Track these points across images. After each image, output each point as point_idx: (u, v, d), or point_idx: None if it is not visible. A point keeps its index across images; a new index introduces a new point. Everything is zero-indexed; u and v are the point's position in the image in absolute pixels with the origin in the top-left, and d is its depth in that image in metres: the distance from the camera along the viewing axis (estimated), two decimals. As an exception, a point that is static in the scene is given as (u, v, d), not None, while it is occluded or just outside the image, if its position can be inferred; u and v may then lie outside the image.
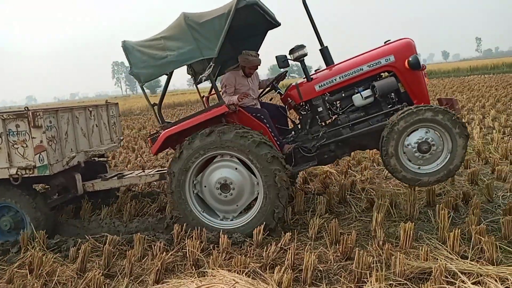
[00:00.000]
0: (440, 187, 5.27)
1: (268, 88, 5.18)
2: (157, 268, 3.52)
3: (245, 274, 3.31)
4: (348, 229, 4.30)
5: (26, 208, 4.60)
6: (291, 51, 4.55)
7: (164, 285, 3.33)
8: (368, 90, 4.51)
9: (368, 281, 3.05)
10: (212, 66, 4.17)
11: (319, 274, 3.39)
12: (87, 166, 5.35)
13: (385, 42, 4.82)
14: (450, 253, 3.40)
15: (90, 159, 5.47)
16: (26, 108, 4.38)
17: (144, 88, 4.51)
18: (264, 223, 4.11)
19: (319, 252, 3.72)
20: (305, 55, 4.50)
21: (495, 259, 3.22)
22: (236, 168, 4.28)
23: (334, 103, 4.71)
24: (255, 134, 4.18)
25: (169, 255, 3.84)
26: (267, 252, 3.63)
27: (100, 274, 3.45)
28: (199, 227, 4.18)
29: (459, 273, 3.01)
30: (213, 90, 5.76)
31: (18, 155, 4.41)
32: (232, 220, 4.39)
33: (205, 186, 4.37)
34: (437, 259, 3.28)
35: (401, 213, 4.51)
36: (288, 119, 5.22)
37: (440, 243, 3.64)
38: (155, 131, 4.77)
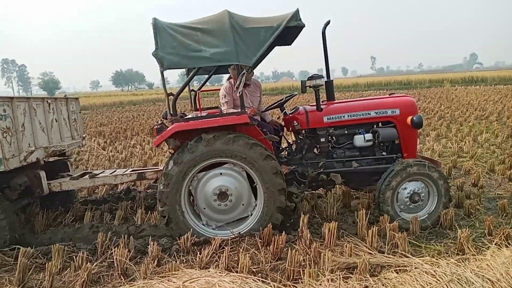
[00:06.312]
0: (354, 192, 5.73)
1: (274, 106, 5.13)
2: (82, 279, 3.30)
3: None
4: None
5: None
6: (310, 78, 4.63)
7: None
8: (370, 134, 4.78)
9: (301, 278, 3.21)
10: (244, 74, 4.13)
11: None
12: (46, 165, 4.82)
13: (389, 94, 5.24)
14: (369, 248, 3.73)
15: (50, 157, 4.92)
16: None
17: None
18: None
19: (250, 254, 3.79)
20: (322, 85, 4.62)
21: (407, 252, 3.60)
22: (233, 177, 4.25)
23: (335, 137, 4.89)
24: (263, 147, 4.19)
25: (93, 265, 3.62)
26: (200, 256, 3.61)
27: (16, 289, 3.11)
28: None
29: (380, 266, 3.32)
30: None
31: None
32: (214, 229, 4.33)
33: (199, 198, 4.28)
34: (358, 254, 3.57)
35: (321, 214, 4.81)
36: (284, 139, 5.30)
37: (359, 240, 3.97)
38: (159, 122, 4.48)
